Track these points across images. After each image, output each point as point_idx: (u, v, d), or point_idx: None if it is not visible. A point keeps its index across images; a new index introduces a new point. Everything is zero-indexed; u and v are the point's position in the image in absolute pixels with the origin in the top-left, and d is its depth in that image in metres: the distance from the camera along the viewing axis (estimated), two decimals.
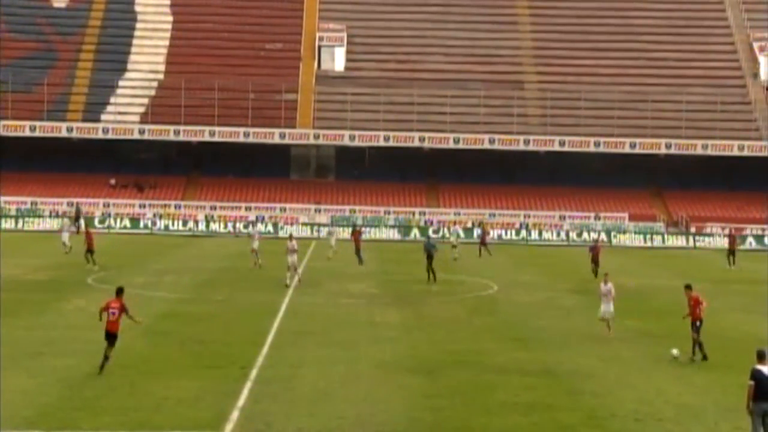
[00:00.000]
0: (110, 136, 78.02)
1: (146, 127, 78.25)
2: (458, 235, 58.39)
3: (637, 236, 72.90)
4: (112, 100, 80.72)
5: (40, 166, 76.33)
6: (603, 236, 68.31)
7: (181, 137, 78.05)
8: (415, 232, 71.05)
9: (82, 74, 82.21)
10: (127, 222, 71.24)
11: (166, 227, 70.86)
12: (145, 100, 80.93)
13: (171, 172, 78.85)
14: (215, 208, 76.07)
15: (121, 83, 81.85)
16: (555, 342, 28.39)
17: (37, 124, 77.07)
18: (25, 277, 41.14)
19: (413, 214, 76.41)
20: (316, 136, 79.60)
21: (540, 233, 73.06)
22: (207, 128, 77.87)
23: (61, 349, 25.67)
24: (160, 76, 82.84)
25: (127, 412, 19.51)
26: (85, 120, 78.81)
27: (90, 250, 43.99)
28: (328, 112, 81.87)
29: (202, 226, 71.07)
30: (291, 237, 40.72)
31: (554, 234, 72.99)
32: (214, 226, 71.06)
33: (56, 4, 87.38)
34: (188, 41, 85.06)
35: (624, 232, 73.56)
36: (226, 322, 30.94)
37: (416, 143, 78.61)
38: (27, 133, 76.77)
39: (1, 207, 73.18)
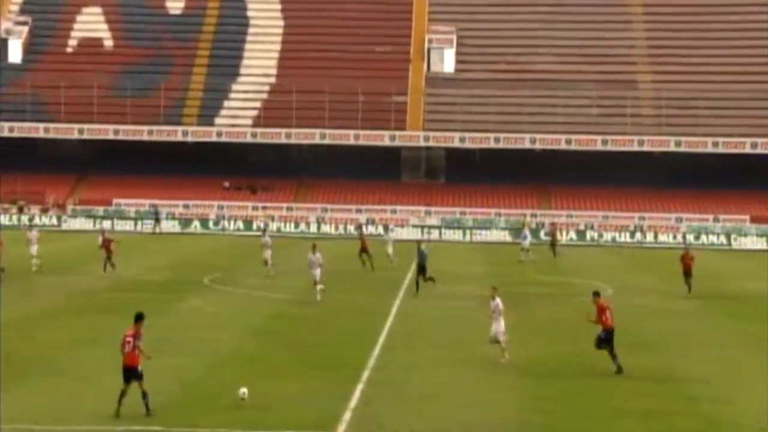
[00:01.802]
0: (224, 139, 79.35)
1: (258, 130, 79.32)
2: (527, 237, 57.01)
3: (760, 239, 70.85)
4: (226, 104, 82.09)
5: (157, 169, 78.01)
6: (691, 240, 66.17)
7: (293, 140, 78.90)
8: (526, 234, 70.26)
9: (197, 79, 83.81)
10: (240, 224, 72.30)
11: (278, 229, 71.66)
12: (258, 104, 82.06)
13: (283, 174, 79.74)
14: (326, 210, 76.65)
15: (234, 87, 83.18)
16: (670, 347, 27.77)
17: (154, 128, 78.85)
18: (144, 277, 42.06)
19: (524, 216, 75.73)
20: (426, 138, 79.56)
21: (656, 236, 71.60)
22: (318, 131, 78.57)
23: (178, 348, 26.14)
24: (272, 80, 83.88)
25: (240, 412, 19.74)
26: (199, 124, 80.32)
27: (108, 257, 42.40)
28: (437, 113, 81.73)
29: (313, 228, 71.67)
30: (314, 248, 36.64)
31: (670, 237, 71.43)
32: (325, 228, 71.58)
33: (172, 11, 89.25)
34: (299, 45, 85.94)
35: (745, 235, 71.58)
36: (337, 323, 31.11)
37: (527, 144, 77.91)
38: (145, 137, 78.61)
39: (121, 209, 75.08)
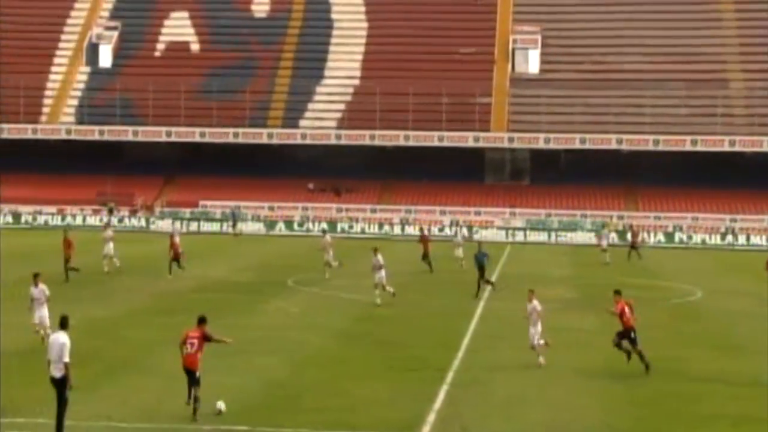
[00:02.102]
0: (308, 141, 79.87)
1: (343, 132, 79.67)
2: (607, 239, 56.07)
3: None
4: (310, 106, 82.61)
5: (242, 171, 78.83)
6: None
7: (377, 142, 79.05)
8: (613, 237, 69.28)
9: (282, 81, 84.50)
10: (324, 225, 72.61)
11: (363, 230, 71.84)
12: (342, 106, 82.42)
13: (367, 176, 79.95)
14: (410, 212, 76.66)
15: (318, 89, 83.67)
16: (764, 351, 27.05)
17: (240, 130, 79.70)
18: (229, 278, 42.45)
19: (611, 217, 74.74)
20: (511, 140, 79.06)
21: (748, 238, 70.05)
22: (402, 133, 78.60)
23: (263, 348, 26.30)
24: (356, 82, 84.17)
25: (325, 412, 19.76)
26: (284, 126, 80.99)
27: (176, 259, 42.04)
28: (522, 115, 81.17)
29: (397, 230, 71.67)
30: (376, 251, 35.62)
31: (764, 239, 69.78)
32: (409, 230, 71.51)
33: (257, 15, 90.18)
34: (383, 47, 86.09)
35: None
36: (421, 325, 31.00)
37: (614, 145, 76.93)
38: (230, 139, 79.52)
39: (207, 211, 76.06)
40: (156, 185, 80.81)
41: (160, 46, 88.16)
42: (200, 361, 19.06)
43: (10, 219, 72.32)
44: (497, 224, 74.04)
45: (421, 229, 56.21)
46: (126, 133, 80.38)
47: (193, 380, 19.01)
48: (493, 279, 40.32)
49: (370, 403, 20.58)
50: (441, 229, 71.52)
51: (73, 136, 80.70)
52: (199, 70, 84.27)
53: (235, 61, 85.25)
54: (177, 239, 44.57)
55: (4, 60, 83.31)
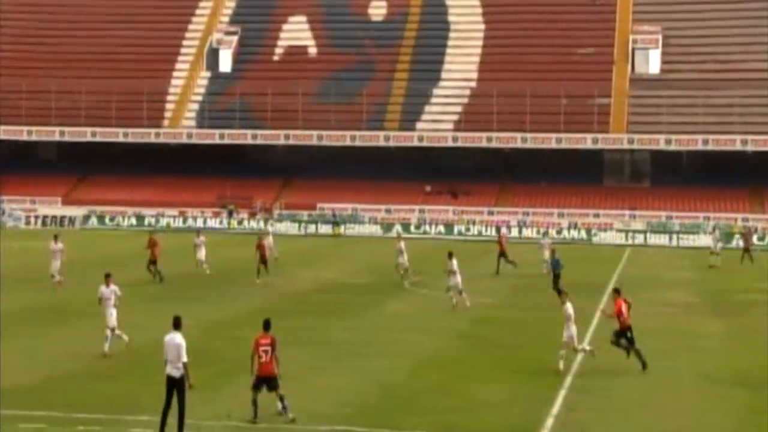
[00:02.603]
0: (425, 144, 79.85)
1: (459, 134, 79.42)
2: (717, 241, 54.32)
3: None
4: (427, 108, 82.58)
5: (359, 173, 79.28)
6: None
7: (494, 144, 78.56)
8: (737, 240, 67.42)
9: (399, 84, 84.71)
10: (441, 228, 72.57)
11: (479, 233, 71.50)
12: (458, 108, 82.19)
13: (484, 178, 79.52)
14: (528, 214, 76.00)
15: (435, 92, 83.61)
16: None
17: (357, 133, 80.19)
18: (347, 280, 42.73)
19: (735, 220, 72.77)
20: (630, 141, 77.66)
21: None
22: (519, 135, 77.96)
23: (380, 350, 26.37)
24: (473, 84, 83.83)
25: (442, 414, 19.69)
26: (401, 129, 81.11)
27: (263, 262, 40.95)
28: (642, 116, 79.65)
29: (514, 232, 71.12)
30: (451, 255, 34.58)
31: None
32: (526, 232, 70.88)
33: (374, 18, 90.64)
34: (500, 48, 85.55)
35: None
36: (539, 328, 30.65)
37: (738, 146, 74.89)
38: (347, 142, 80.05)
39: (324, 213, 76.75)
40: (274, 188, 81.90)
41: (279, 51, 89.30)
42: (277, 365, 18.83)
43: (134, 221, 74.23)
44: (616, 227, 72.78)
45: (499, 229, 55.78)
46: (245, 136, 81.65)
47: (272, 386, 18.79)
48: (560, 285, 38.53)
49: (487, 405, 20.43)
50: (559, 232, 70.69)
51: (194, 140, 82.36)
52: (316, 74, 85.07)
53: (352, 64, 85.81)
54: (268, 241, 45.31)
55: (128, 66, 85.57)
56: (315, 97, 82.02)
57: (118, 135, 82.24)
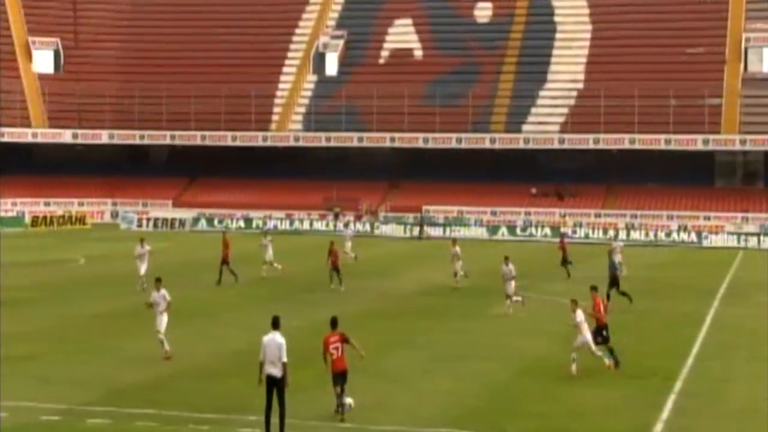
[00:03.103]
0: (531, 146, 79.26)
1: (566, 136, 78.60)
2: None
3: None
4: (533, 110, 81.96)
5: (465, 176, 79.11)
6: None
7: (601, 146, 77.52)
8: None
9: (504, 86, 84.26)
10: (547, 230, 71.89)
11: (586, 235, 70.61)
12: (565, 110, 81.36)
13: (590, 180, 78.54)
14: (636, 217, 74.80)
15: (541, 93, 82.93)
16: None
17: (463, 136, 80.00)
18: (453, 283, 42.60)
19: None
20: (743, 142, 75.78)
21: None
22: (627, 136, 76.76)
23: (485, 353, 26.27)
24: (580, 85, 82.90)
25: (548, 418, 19.51)
26: (507, 131, 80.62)
27: (335, 269, 39.61)
28: (755, 116, 77.68)
29: (622, 235, 69.94)
30: (507, 260, 34.24)
31: None
32: (634, 235, 69.72)
33: (480, 20, 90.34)
34: (607, 49, 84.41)
35: None
36: (648, 331, 30.16)
37: None
38: (453, 145, 79.94)
39: (430, 216, 76.77)
40: (380, 190, 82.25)
41: (384, 54, 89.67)
42: (346, 360, 19.27)
43: (242, 224, 75.33)
44: (728, 229, 71.05)
45: (562, 234, 54.56)
46: (351, 139, 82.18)
47: (343, 381, 19.27)
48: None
49: (595, 410, 20.17)
50: (668, 234, 69.39)
51: (300, 143, 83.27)
52: (422, 77, 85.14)
53: (457, 66, 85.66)
54: (345, 245, 45.44)
55: (237, 70, 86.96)
56: (420, 100, 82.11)
57: (226, 139, 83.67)
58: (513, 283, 33.73)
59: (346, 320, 31.12)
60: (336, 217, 76.18)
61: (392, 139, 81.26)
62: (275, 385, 17.86)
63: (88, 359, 24.63)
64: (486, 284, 41.66)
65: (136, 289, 35.31)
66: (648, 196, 77.07)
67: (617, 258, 44.61)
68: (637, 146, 76.54)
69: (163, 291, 24.83)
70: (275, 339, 18.07)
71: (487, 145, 79.61)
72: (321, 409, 19.69)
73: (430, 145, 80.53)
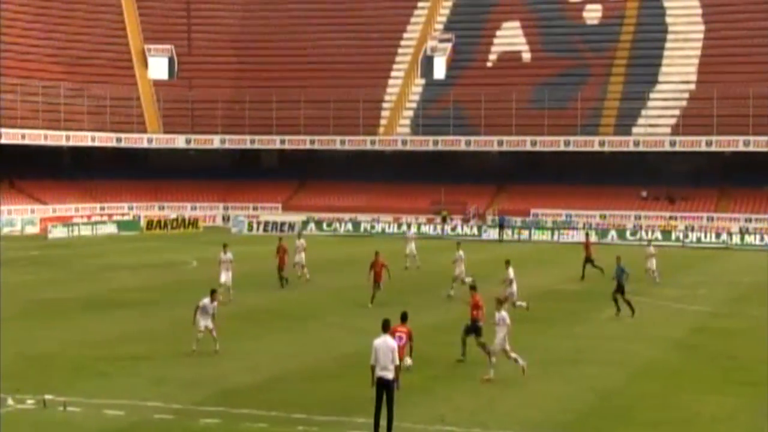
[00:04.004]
0: (641, 148, 78.00)
1: (677, 138, 77.13)
2: None
3: None
4: (643, 112, 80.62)
5: (573, 179, 78.32)
6: None
7: (713, 148, 75.83)
8: None
9: (614, 88, 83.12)
10: (658, 234, 70.59)
11: (698, 239, 69.11)
12: (676, 111, 79.86)
13: (702, 183, 76.95)
14: (750, 221, 72.96)
15: (651, 95, 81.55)
16: None
17: (571, 138, 79.18)
18: (559, 287, 42.26)
19: None
20: None
21: None
22: (741, 138, 74.94)
23: (594, 357, 25.96)
24: (692, 87, 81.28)
25: (658, 426, 19.18)
26: (616, 134, 79.49)
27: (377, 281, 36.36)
28: None
29: (736, 239, 68.40)
30: (507, 264, 34.18)
31: None
32: (749, 239, 68.00)
33: (589, 21, 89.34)
34: (720, 49, 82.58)
35: None
36: (759, 338, 29.37)
37: None
38: (561, 147, 79.18)
39: (539, 220, 76.21)
40: (488, 194, 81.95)
41: (492, 57, 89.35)
42: (405, 352, 21.10)
43: (350, 227, 75.86)
44: None
45: (587, 234, 53.31)
46: (459, 143, 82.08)
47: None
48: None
49: (707, 418, 19.76)
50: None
51: (408, 147, 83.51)
52: (530, 80, 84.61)
53: (566, 69, 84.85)
54: (410, 247, 45.96)
55: (345, 75, 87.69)
56: (529, 103, 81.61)
57: (335, 143, 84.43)
58: (514, 287, 33.41)
59: (455, 324, 31.25)
60: (444, 220, 76.13)
61: (500, 143, 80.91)
62: (386, 388, 17.95)
63: (199, 360, 25.11)
64: (595, 288, 41.16)
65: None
66: (763, 199, 75.14)
67: (652, 265, 43.28)
68: (751, 148, 74.68)
69: (215, 303, 25.97)
70: (387, 342, 18.15)
71: (596, 147, 78.65)
72: (430, 412, 19.72)
73: (538, 147, 79.94)
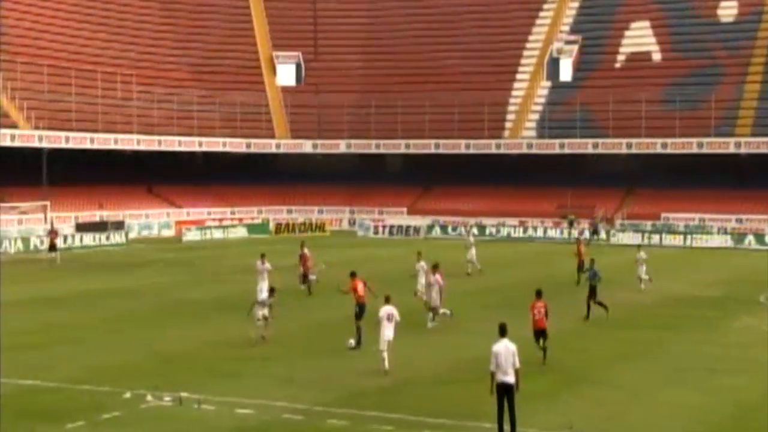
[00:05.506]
0: None
1: None
2: None
3: None
4: None
5: (706, 182, 76.27)
6: None
7: None
8: None
9: (751, 88, 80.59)
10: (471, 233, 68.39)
11: None
12: None
13: None
14: None
15: None
16: None
17: (704, 140, 77.12)
18: (695, 293, 41.15)
19: None
20: None
21: None
22: None
23: (731, 367, 25.11)
24: None
25: None
26: (753, 135, 76.96)
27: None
28: None
29: None
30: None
31: None
32: None
33: (723, 20, 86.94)
34: None
35: None
36: None
37: None
38: (694, 149, 77.20)
39: (669, 224, 74.50)
40: (616, 197, 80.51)
41: (621, 58, 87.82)
42: (546, 322, 25.01)
43: (475, 231, 75.49)
44: None
45: (578, 236, 51.42)
46: (586, 145, 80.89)
47: (543, 336, 24.95)
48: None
49: None
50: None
51: (534, 150, 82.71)
52: (660, 80, 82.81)
53: (698, 69, 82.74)
54: (470, 253, 44.70)
55: (470, 78, 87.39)
56: (659, 104, 79.91)
57: (460, 147, 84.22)
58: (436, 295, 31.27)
59: (582, 329, 30.74)
60: (570, 224, 75.12)
61: (629, 145, 79.43)
62: (507, 393, 17.75)
63: (329, 362, 25.29)
64: (730, 294, 40.03)
65: (400, 291, 34.10)
66: None
67: (642, 271, 41.37)
68: None
69: (267, 264, 30.02)
70: (507, 346, 17.94)
71: (732, 149, 76.39)
72: (556, 419, 19.38)
73: (669, 150, 78.15)
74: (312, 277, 40.06)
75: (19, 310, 34.96)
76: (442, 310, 31.27)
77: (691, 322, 32.83)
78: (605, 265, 49.55)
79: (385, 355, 23.66)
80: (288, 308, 34.04)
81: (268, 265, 34.94)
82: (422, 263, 35.24)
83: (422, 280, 33.95)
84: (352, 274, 28.45)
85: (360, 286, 27.95)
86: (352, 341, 27.02)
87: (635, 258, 42.30)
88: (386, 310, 24.18)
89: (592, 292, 33.01)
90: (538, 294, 25.54)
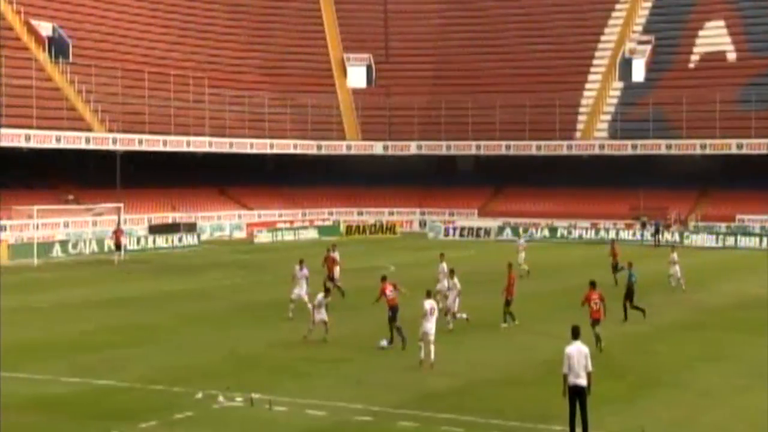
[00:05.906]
0: None
1: None
2: None
3: None
4: None
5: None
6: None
7: None
8: None
9: None
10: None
11: None
12: None
13: None
14: None
15: None
16: None
17: None
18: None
19: None
20: None
21: None
22: None
23: None
24: None
25: None
26: None
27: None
28: None
29: None
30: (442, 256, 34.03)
31: None
32: None
33: None
34: None
35: None
36: None
37: None
38: (765, 150, 75.85)
39: (744, 226, 73.28)
40: (690, 199, 79.37)
41: (694, 57, 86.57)
42: (603, 313, 26.27)
43: (547, 233, 75.00)
44: None
45: (612, 240, 50.01)
46: (659, 146, 79.89)
47: (599, 325, 26.11)
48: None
49: None
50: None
51: (606, 152, 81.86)
52: (735, 80, 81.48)
53: None
54: (519, 258, 43.76)
55: (541, 79, 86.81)
56: (734, 104, 78.65)
57: (531, 148, 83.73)
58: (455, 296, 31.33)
59: (656, 333, 30.38)
60: (643, 226, 74.24)
61: (703, 146, 78.27)
62: (579, 396, 17.66)
63: (397, 362, 25.34)
64: None
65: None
66: None
67: (675, 270, 40.49)
68: None
69: (327, 300, 29.08)
70: (580, 349, 17.86)
71: None
72: (628, 422, 19.21)
73: (745, 151, 76.85)
74: (337, 281, 39.41)
75: (92, 310, 35.63)
76: (459, 315, 31.33)
77: (765, 325, 32.24)
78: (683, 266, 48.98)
79: (422, 344, 24.80)
80: (362, 310, 34.16)
81: (306, 271, 34.14)
82: (443, 264, 34.92)
83: (445, 282, 33.57)
84: (383, 278, 28.63)
85: (389, 290, 28.05)
86: (384, 342, 27.42)
87: (668, 259, 41.76)
88: (430, 303, 25.41)
89: (630, 294, 32.80)
90: (593, 284, 26.54)
